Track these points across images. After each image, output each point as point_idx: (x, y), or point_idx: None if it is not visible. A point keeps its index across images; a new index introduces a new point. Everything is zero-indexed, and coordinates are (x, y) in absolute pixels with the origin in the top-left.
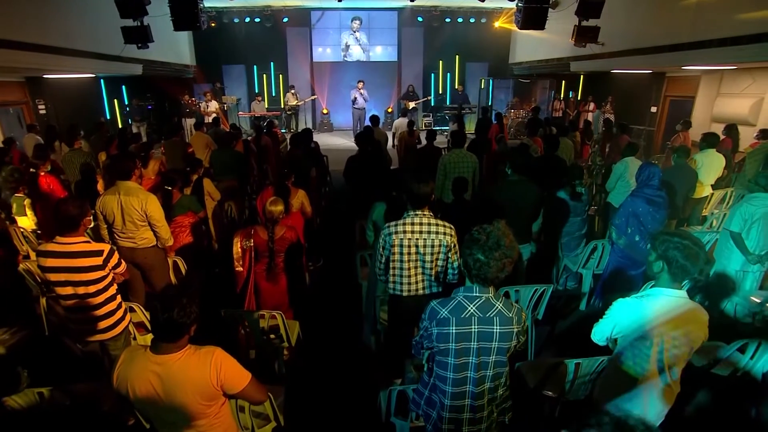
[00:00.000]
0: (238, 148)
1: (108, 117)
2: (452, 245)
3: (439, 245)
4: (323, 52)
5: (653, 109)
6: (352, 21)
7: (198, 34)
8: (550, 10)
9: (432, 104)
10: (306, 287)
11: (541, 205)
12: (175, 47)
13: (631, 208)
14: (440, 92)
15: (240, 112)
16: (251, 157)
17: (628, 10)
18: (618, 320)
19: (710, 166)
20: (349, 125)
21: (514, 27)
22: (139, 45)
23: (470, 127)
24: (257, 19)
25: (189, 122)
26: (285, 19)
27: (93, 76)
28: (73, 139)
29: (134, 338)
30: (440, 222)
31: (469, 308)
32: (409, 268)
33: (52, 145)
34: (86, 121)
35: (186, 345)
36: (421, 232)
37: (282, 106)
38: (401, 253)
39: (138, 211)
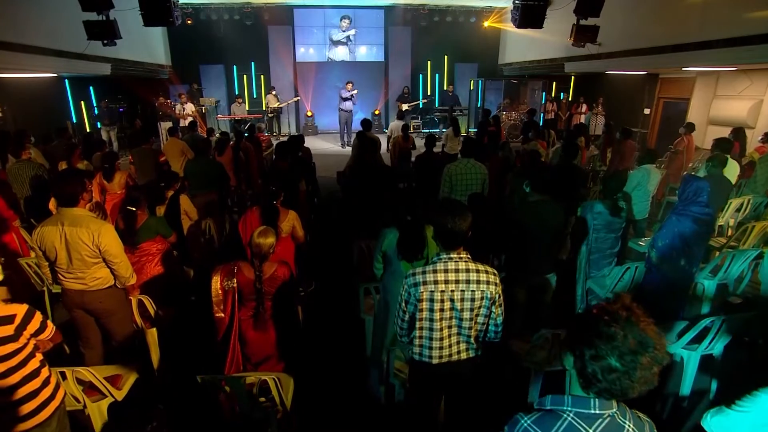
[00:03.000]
0: (226, 156)
1: (75, 121)
2: (497, 296)
3: (482, 298)
4: (307, 52)
5: (646, 111)
6: (341, 20)
7: (173, 32)
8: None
9: (420, 106)
10: (300, 330)
11: (567, 227)
12: (148, 46)
13: (678, 228)
14: (429, 94)
15: (219, 115)
16: (239, 167)
17: (627, 9)
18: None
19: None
20: (335, 128)
21: (504, 26)
22: (105, 42)
23: (462, 130)
24: (237, 17)
25: (164, 126)
26: (266, 17)
27: (55, 75)
28: (20, 149)
29: (84, 407)
30: (481, 266)
31: None
32: (441, 329)
33: (4, 154)
34: (50, 125)
35: None
36: (457, 282)
37: (263, 109)
38: (431, 310)
39: (88, 245)
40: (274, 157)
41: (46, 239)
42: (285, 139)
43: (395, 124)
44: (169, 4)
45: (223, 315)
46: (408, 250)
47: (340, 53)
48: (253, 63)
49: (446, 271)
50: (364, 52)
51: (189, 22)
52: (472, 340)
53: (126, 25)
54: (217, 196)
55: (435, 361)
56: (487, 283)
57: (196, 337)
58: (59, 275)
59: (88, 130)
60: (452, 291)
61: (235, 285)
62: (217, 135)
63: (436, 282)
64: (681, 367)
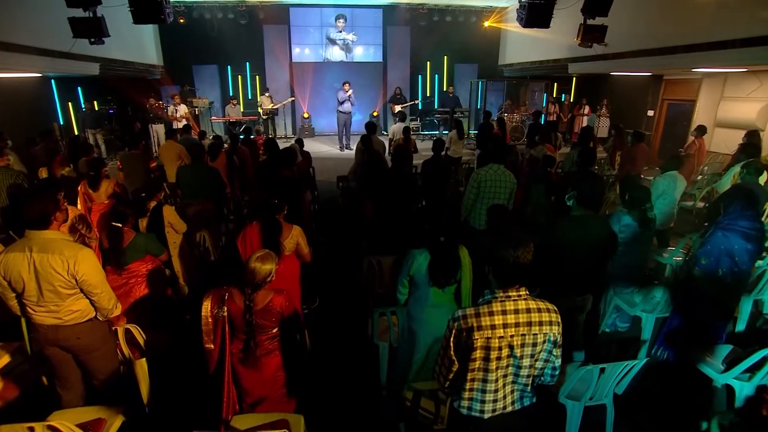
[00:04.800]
0: (220, 161)
1: (62, 123)
2: (559, 336)
3: (544, 341)
4: (303, 52)
5: (650, 113)
6: (336, 19)
7: (165, 31)
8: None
9: (420, 107)
10: (306, 362)
11: (614, 245)
12: (138, 45)
13: (725, 245)
14: (428, 95)
15: (213, 117)
16: (233, 173)
17: (634, 8)
18: None
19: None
20: (332, 130)
21: (504, 26)
22: (93, 40)
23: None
24: (231, 16)
25: (155, 128)
26: (261, 16)
27: (40, 75)
28: None
29: None
30: (541, 304)
31: None
32: (496, 379)
33: None
34: (36, 128)
35: None
36: (517, 325)
37: (258, 110)
38: (487, 359)
39: (62, 275)
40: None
41: (11, 268)
42: (285, 142)
43: (397, 127)
44: (159, 0)
45: (212, 346)
46: (441, 275)
47: (337, 53)
48: (248, 63)
49: (504, 312)
50: (362, 53)
51: (181, 20)
52: (528, 388)
53: (115, 23)
54: (212, 205)
55: (487, 415)
56: (550, 323)
57: (191, 363)
58: (28, 308)
59: (76, 132)
60: (512, 336)
61: (225, 314)
62: (210, 138)
63: (493, 326)
64: (722, 395)
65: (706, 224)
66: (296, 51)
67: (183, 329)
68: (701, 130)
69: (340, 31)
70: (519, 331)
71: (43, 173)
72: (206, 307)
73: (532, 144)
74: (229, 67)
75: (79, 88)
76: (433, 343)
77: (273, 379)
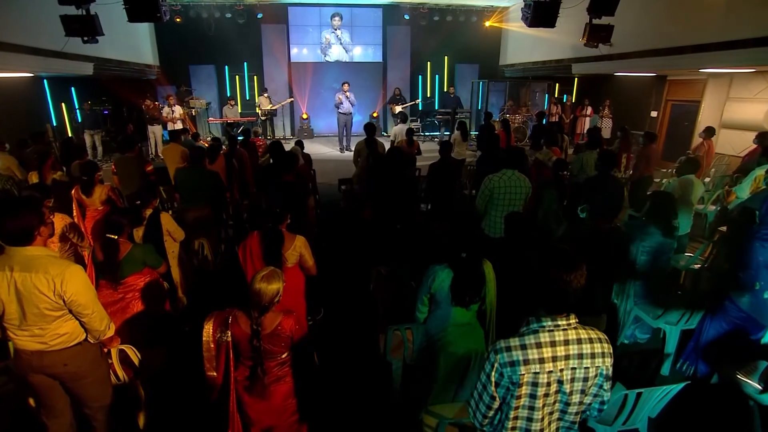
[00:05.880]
0: (218, 164)
1: (55, 124)
2: (610, 369)
3: (596, 375)
4: (302, 52)
5: (653, 114)
6: (332, 18)
7: (161, 30)
8: None
9: (420, 108)
10: (315, 385)
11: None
12: (134, 44)
13: (763, 257)
14: (428, 95)
15: (210, 118)
16: (232, 177)
17: (641, 7)
18: None
19: None
20: (332, 131)
21: (506, 26)
22: (86, 39)
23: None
24: (228, 15)
25: (153, 129)
26: (259, 15)
27: (32, 75)
28: None
29: None
30: (592, 333)
31: None
32: (542, 418)
33: None
34: (28, 129)
35: None
36: (568, 358)
37: (256, 111)
38: (533, 396)
39: (48, 296)
40: (271, 160)
41: None
42: (285, 144)
43: (399, 128)
44: None
45: (215, 374)
46: (466, 294)
47: (337, 53)
48: (245, 63)
49: (554, 344)
50: (362, 53)
51: (178, 20)
52: (575, 426)
53: (109, 22)
54: (211, 209)
55: None
56: (603, 355)
57: (191, 383)
58: (9, 332)
59: (70, 134)
60: (561, 370)
61: (229, 339)
62: (208, 139)
63: (542, 360)
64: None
65: (719, 228)
66: (294, 51)
67: (182, 345)
68: (710, 131)
69: (335, 30)
70: (569, 365)
71: (33, 178)
72: (208, 331)
73: (536, 146)
74: (226, 67)
75: (72, 89)
76: (455, 364)
77: (282, 408)
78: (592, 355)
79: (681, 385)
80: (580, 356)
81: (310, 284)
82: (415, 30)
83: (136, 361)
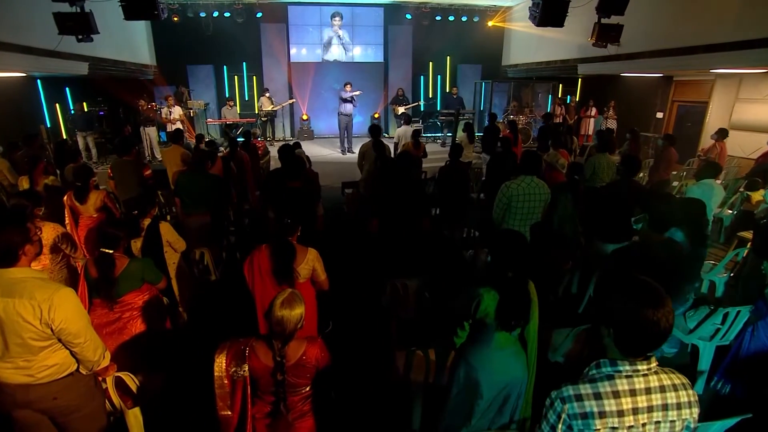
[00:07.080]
0: (216, 168)
1: (49, 125)
2: (696, 420)
3: (682, 429)
4: (301, 52)
5: (659, 115)
6: (332, 17)
7: (159, 29)
8: None
9: (422, 109)
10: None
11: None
12: (130, 43)
13: None
14: (430, 96)
15: (209, 119)
16: (230, 181)
17: (650, 6)
18: None
19: None
20: (332, 132)
21: (509, 26)
22: (80, 37)
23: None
24: (227, 14)
25: (147, 131)
26: (258, 14)
27: (24, 75)
28: None
29: None
30: (675, 378)
31: None
32: None
33: None
34: (21, 131)
35: None
36: (650, 410)
37: (256, 112)
38: None
39: (33, 326)
40: (270, 162)
41: None
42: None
43: (403, 130)
44: None
45: (230, 413)
46: (514, 318)
47: (337, 53)
48: (244, 63)
49: (633, 393)
50: (363, 53)
51: (175, 19)
52: None
53: (105, 20)
54: (211, 216)
55: None
56: (689, 405)
57: (193, 407)
58: None
59: (64, 136)
60: (644, 425)
61: (246, 374)
62: (205, 142)
63: (621, 413)
64: None
65: (738, 234)
66: (294, 51)
67: (182, 364)
68: (722, 133)
69: (333, 28)
70: (653, 418)
71: (24, 183)
72: (220, 365)
73: (543, 148)
74: (225, 67)
75: (67, 89)
76: (499, 392)
77: None
78: (678, 406)
79: (739, 418)
80: (665, 407)
81: (318, 296)
82: (417, 30)
83: (134, 387)
